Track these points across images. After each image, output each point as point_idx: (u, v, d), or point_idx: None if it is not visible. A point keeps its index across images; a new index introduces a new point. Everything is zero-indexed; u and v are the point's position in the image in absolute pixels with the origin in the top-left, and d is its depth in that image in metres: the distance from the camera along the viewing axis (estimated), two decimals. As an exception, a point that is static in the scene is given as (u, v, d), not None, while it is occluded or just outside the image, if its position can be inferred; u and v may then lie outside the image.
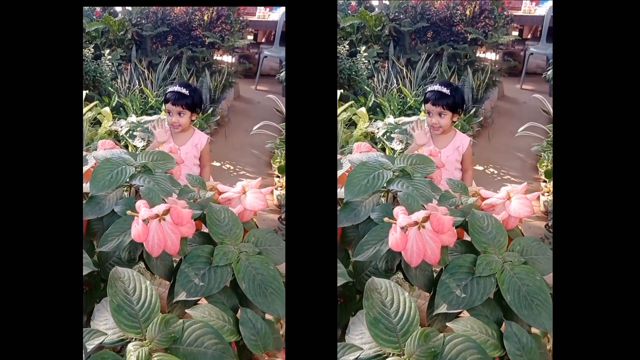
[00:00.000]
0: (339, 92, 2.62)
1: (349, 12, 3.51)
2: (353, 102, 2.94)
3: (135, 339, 1.01)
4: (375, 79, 3.27)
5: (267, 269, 1.21)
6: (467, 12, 3.37)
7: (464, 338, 1.05)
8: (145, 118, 3.36)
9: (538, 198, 2.01)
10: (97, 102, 3.49)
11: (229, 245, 1.25)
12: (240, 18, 3.66)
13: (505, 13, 3.36)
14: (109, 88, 3.59)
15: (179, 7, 3.85)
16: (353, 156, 1.53)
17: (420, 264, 1.20)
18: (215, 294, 1.17)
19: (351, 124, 2.74)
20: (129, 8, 3.87)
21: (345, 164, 1.51)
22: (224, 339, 1.04)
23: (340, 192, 1.45)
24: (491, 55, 3.26)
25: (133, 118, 3.32)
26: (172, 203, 1.23)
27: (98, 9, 3.96)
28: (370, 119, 2.87)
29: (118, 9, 3.93)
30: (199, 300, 1.18)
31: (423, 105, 2.26)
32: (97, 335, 1.02)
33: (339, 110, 2.30)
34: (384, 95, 3.18)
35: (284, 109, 2.47)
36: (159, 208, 1.20)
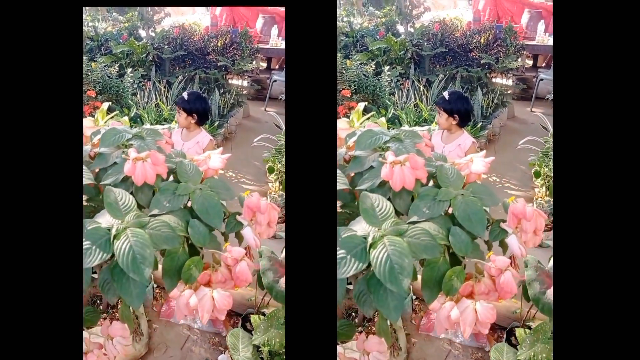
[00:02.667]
0: (363, 104, 3.16)
1: (377, 37, 4.07)
2: (374, 112, 3.49)
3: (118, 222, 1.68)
4: (396, 96, 3.82)
5: (212, 199, 1.87)
6: (482, 40, 3.89)
7: (421, 228, 1.68)
8: (157, 127, 4.03)
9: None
10: (117, 112, 4.18)
11: (190, 184, 1.91)
12: (251, 45, 4.29)
13: (516, 42, 3.84)
14: (129, 102, 4.29)
15: (197, 35, 4.52)
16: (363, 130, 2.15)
17: (402, 192, 1.81)
18: (176, 211, 1.83)
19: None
20: (152, 33, 4.57)
21: (358, 133, 2.09)
22: (175, 231, 1.70)
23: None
24: (502, 79, 3.77)
25: (147, 126, 4.00)
26: (152, 152, 1.91)
27: (125, 33, 4.67)
28: (388, 128, 3.43)
29: (142, 33, 4.63)
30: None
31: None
32: (94, 224, 1.69)
33: (361, 119, 2.83)
34: (402, 109, 3.72)
35: (282, 124, 2.98)
36: (143, 153, 1.87)
